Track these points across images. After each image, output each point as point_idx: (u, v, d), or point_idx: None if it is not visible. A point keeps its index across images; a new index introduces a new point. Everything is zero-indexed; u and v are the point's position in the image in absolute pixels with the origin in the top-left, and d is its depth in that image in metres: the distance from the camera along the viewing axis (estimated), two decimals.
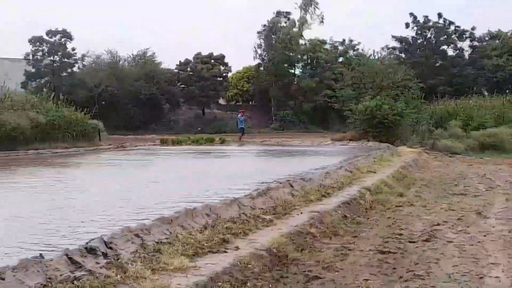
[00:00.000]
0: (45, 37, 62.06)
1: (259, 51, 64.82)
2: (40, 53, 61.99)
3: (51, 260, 4.95)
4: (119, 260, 5.35)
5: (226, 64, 65.04)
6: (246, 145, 40.54)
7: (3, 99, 31.78)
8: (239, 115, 51.00)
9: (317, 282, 6.03)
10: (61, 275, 4.78)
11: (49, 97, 37.13)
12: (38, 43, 62.02)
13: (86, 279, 4.76)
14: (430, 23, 64.63)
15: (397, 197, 12.99)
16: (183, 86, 63.30)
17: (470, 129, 34.67)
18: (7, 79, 56.62)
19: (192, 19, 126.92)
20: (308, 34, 64.34)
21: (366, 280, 6.11)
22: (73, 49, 62.79)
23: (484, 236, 8.59)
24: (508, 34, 63.67)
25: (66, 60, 62.41)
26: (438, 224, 9.55)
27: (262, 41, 64.22)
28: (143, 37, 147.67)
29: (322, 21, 63.32)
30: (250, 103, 68.85)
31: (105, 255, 5.41)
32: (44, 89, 48.20)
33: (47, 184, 15.23)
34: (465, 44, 65.33)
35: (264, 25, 63.79)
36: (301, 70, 63.66)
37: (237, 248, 6.40)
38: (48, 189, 14.01)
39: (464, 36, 65.04)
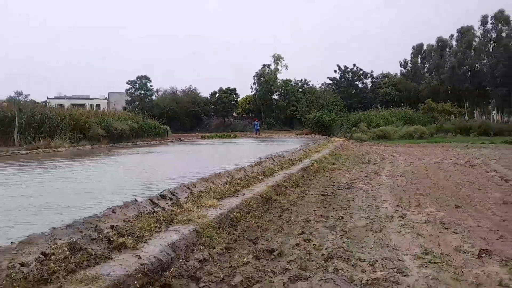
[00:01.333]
0: (135, 80, 62.28)
1: (254, 86, 64.83)
2: (133, 89, 62.06)
3: (141, 202, 4.96)
4: (178, 201, 5.36)
5: (236, 93, 65.12)
6: (253, 138, 40.73)
7: (114, 115, 31.88)
8: (255, 121, 50.70)
9: (288, 212, 6.06)
10: (146, 210, 4.80)
11: (139, 114, 37.33)
12: (132, 83, 62.22)
13: (160, 212, 4.78)
14: (348, 69, 64.63)
15: (331, 165, 13.02)
16: (213, 106, 63.26)
17: (372, 127, 34.78)
18: (116, 104, 56.79)
19: (218, 69, 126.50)
20: (282, 76, 64.57)
21: (315, 210, 6.14)
22: (151, 86, 63.05)
23: (379, 185, 8.63)
24: (393, 74, 63.80)
25: (147, 92, 62.56)
26: (354, 179, 9.58)
27: (255, 80, 64.29)
28: (189, 78, 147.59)
29: (287, 68, 64.20)
30: (250, 114, 68.67)
31: (170, 199, 5.41)
32: (136, 109, 48.33)
33: (137, 160, 15.25)
34: (367, 81, 65.29)
35: (256, 72, 63.93)
36: (277, 96, 63.61)
37: (243, 194, 6.42)
38: (139, 164, 13.99)
39: (367, 75, 64.97)
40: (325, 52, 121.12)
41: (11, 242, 3.40)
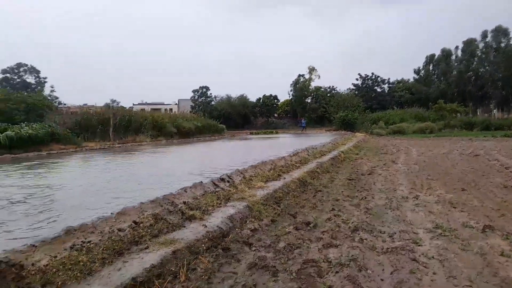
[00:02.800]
0: (198, 89, 63.47)
1: (291, 92, 64.23)
2: (197, 96, 63.21)
3: (206, 183, 5.07)
4: (234, 183, 5.43)
5: (277, 98, 64.80)
6: (292, 134, 40.35)
7: (183, 117, 32.66)
8: (302, 119, 48.96)
9: (320, 192, 6.00)
10: (210, 189, 4.90)
11: (202, 115, 38.02)
12: (195, 92, 63.42)
13: (220, 191, 4.87)
14: (368, 77, 62.64)
15: (355, 155, 12.70)
16: (258, 108, 63.29)
17: (389, 124, 33.61)
18: (184, 109, 58.15)
19: (262, 80, 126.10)
20: (314, 84, 63.31)
21: (342, 191, 6.03)
22: (210, 94, 63.90)
23: (396, 171, 8.34)
24: (406, 80, 61.28)
25: (207, 98, 63.52)
26: (374, 167, 9.31)
27: (291, 88, 63.69)
28: (241, 87, 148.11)
29: (319, 78, 62.95)
30: (288, 115, 68.09)
31: (228, 181, 5.49)
32: (199, 112, 49.33)
33: (201, 149, 15.59)
34: (385, 86, 62.92)
35: (293, 81, 63.30)
36: (310, 100, 62.68)
37: (284, 178, 6.40)
38: (204, 152, 14.29)
39: (385, 81, 62.67)
40: (350, 63, 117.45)
41: (111, 213, 3.59)
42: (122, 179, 7.14)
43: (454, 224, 3.97)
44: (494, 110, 56.49)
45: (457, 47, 53.08)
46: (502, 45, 46.85)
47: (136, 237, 3.10)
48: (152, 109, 50.14)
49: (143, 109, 39.19)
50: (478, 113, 54.14)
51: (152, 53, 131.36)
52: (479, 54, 49.67)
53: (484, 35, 48.81)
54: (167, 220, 3.55)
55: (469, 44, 50.29)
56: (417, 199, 5.32)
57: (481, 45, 49.46)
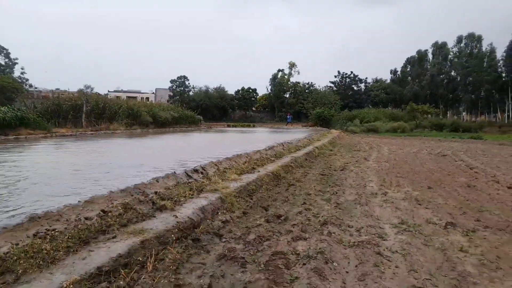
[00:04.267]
0: (176, 79, 62.47)
1: (269, 87, 64.33)
2: (174, 86, 62.19)
3: (179, 174, 5.02)
4: (207, 175, 5.41)
5: (255, 92, 64.70)
6: (268, 128, 40.38)
7: (160, 106, 32.11)
8: (288, 115, 48.48)
9: (293, 186, 6.06)
10: (183, 180, 4.85)
11: (179, 106, 37.49)
12: (174, 82, 62.36)
13: (193, 182, 4.83)
14: (346, 75, 63.58)
15: (329, 151, 12.91)
16: (237, 101, 63.03)
17: (363, 122, 34.30)
18: (161, 98, 57.19)
19: (244, 72, 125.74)
20: (293, 79, 63.57)
21: (315, 186, 6.12)
22: (189, 84, 62.98)
23: (367, 168, 8.53)
24: (383, 79, 62.64)
25: (185, 89, 62.63)
26: (347, 163, 9.49)
27: (270, 82, 63.80)
28: (219, 78, 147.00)
29: (299, 73, 63.20)
30: (266, 109, 68.27)
31: (201, 172, 5.46)
32: (177, 102, 48.64)
33: (174, 140, 15.39)
34: (362, 85, 64.14)
35: (272, 75, 63.36)
36: (288, 95, 62.98)
37: (259, 171, 6.42)
38: (176, 143, 14.13)
39: (361, 80, 63.86)
40: (331, 61, 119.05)
41: (78, 201, 3.50)
42: (92, 167, 6.95)
43: (418, 220, 4.12)
44: (464, 113, 58.80)
45: (426, 51, 54.68)
46: (475, 51, 48.61)
47: (104, 226, 3.03)
48: (128, 97, 48.93)
49: (118, 97, 38.17)
50: (449, 115, 56.23)
51: (133, 42, 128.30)
52: (452, 58, 51.39)
53: (459, 40, 50.48)
54: (137, 210, 3.49)
55: (442, 48, 51.98)
56: (385, 195, 5.47)
57: (455, 49, 51.13)
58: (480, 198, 5.33)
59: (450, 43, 51.73)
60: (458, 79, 49.94)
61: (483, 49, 47.97)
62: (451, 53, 51.34)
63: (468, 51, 48.79)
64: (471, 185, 6.41)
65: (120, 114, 24.02)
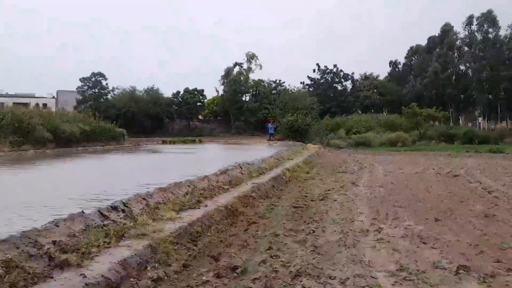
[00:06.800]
0: (89, 77, 61.40)
1: (221, 87, 64.91)
2: (86, 87, 61.00)
3: (89, 214, 4.89)
4: (132, 214, 5.31)
5: (203, 94, 64.86)
6: (222, 144, 40.20)
7: (63, 116, 31.18)
8: (269, 124, 43.22)
9: (255, 225, 6.10)
10: (95, 223, 4.73)
11: (92, 115, 36.59)
12: (85, 81, 61.24)
13: (110, 225, 4.73)
14: (328, 70, 65.55)
15: (305, 174, 13.15)
16: (176, 107, 62.83)
17: (351, 133, 35.35)
18: (65, 104, 55.65)
19: (186, 66, 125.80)
20: (255, 76, 64.41)
21: (284, 223, 6.19)
22: (106, 84, 62.09)
23: (356, 196, 8.77)
24: (375, 76, 65.00)
25: (102, 91, 61.63)
26: (329, 190, 9.70)
27: (222, 80, 64.26)
28: (152, 76, 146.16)
29: (261, 68, 63.86)
30: (218, 118, 68.48)
31: (123, 211, 5.35)
32: (88, 110, 47.62)
33: (87, 166, 14.94)
34: (347, 83, 66.39)
35: (224, 70, 63.85)
36: (248, 98, 63.74)
37: (206, 206, 6.40)
38: (88, 170, 13.75)
39: (347, 77, 66.10)
40: (304, 51, 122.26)
41: None
42: None
43: (422, 265, 4.28)
44: (480, 119, 61.99)
45: (429, 38, 56.19)
46: (491, 36, 49.51)
47: None
48: (15, 103, 47.05)
49: (1, 103, 36.72)
50: (461, 122, 59.14)
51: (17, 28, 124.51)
52: (460, 46, 52.98)
53: (470, 21, 50.38)
54: (26, 269, 3.34)
55: (447, 32, 53.00)
56: (379, 232, 5.65)
57: (464, 34, 52.31)
58: (501, 232, 5.65)
59: (458, 27, 52.68)
60: (470, 74, 52.20)
61: (502, 33, 48.78)
62: (459, 40, 53.40)
63: (482, 37, 50.07)
64: (490, 214, 6.78)
65: (3, 128, 23.00)
